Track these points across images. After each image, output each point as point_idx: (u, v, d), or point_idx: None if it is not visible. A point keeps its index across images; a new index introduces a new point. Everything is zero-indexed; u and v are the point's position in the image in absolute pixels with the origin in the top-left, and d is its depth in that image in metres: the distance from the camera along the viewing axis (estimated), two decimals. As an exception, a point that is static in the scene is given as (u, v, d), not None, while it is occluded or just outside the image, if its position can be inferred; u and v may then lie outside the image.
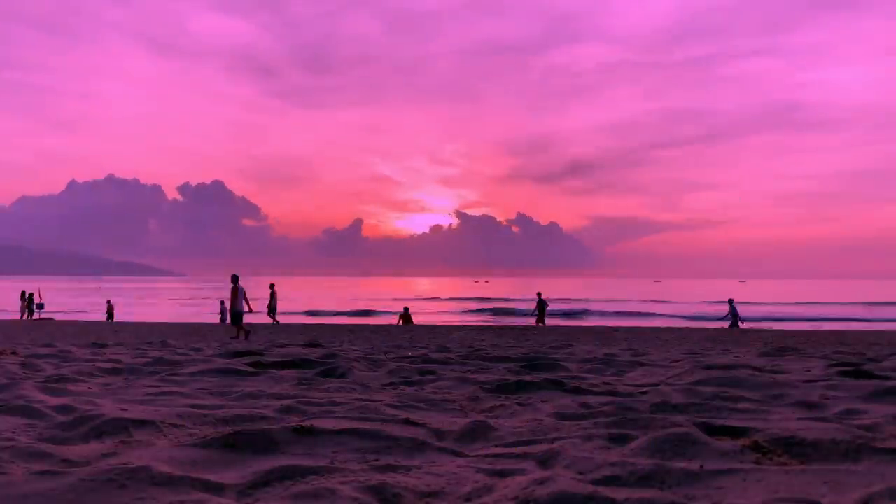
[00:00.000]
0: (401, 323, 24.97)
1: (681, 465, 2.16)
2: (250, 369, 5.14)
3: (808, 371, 5.20)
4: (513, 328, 21.98)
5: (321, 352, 7.14)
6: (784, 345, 10.66)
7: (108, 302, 31.54)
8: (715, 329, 21.70)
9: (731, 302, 24.58)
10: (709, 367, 5.19)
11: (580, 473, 2.14)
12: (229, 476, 2.16)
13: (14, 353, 6.55)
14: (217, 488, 2.02)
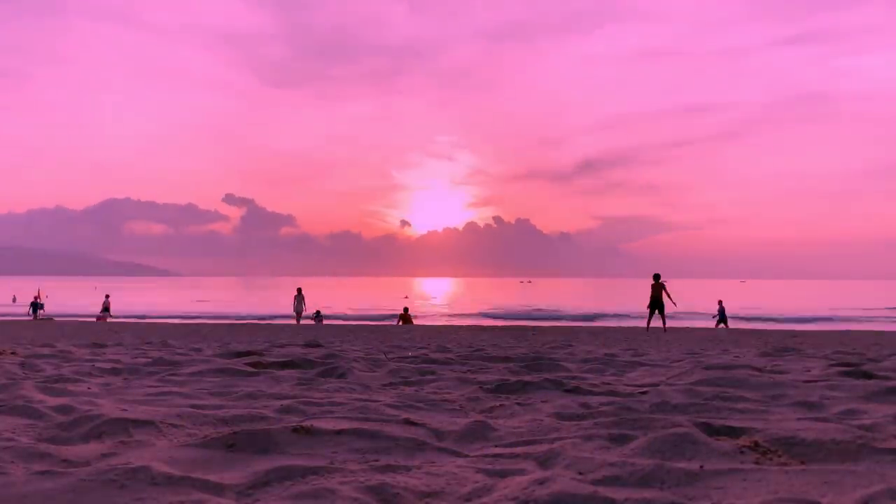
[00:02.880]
0: (400, 323, 24.98)
1: (681, 465, 2.16)
2: (250, 369, 5.14)
3: (808, 371, 5.20)
4: (513, 328, 21.97)
5: (321, 352, 7.14)
6: (784, 345, 10.66)
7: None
8: (715, 329, 21.75)
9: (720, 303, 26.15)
10: (709, 367, 5.19)
11: (580, 473, 2.14)
12: (229, 476, 2.16)
13: (14, 353, 6.55)
14: (217, 488, 2.02)
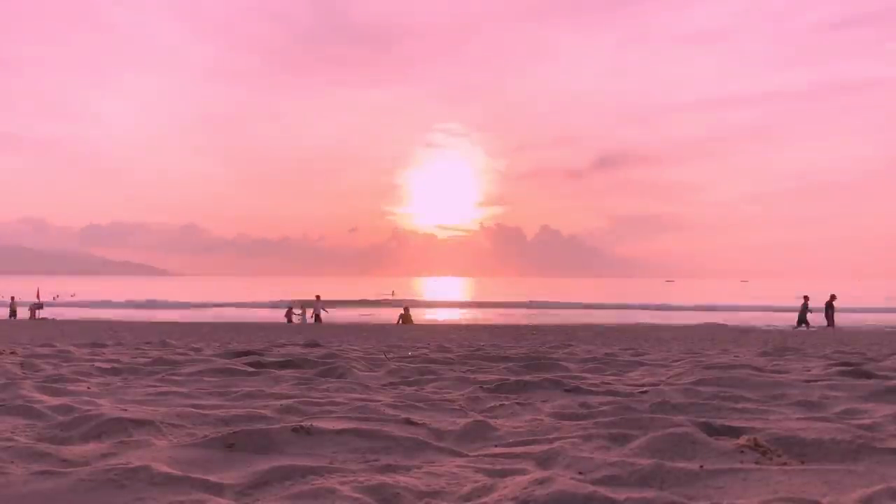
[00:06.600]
0: (401, 323, 24.99)
1: (681, 465, 2.16)
2: (250, 369, 5.14)
3: (808, 371, 5.20)
4: (513, 328, 21.97)
5: (321, 351, 7.14)
6: (784, 345, 10.66)
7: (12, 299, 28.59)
8: (715, 329, 21.69)
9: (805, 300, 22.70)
10: (709, 367, 5.19)
11: (580, 473, 2.14)
12: (229, 476, 2.16)
13: (14, 353, 6.55)
14: (217, 488, 2.02)
